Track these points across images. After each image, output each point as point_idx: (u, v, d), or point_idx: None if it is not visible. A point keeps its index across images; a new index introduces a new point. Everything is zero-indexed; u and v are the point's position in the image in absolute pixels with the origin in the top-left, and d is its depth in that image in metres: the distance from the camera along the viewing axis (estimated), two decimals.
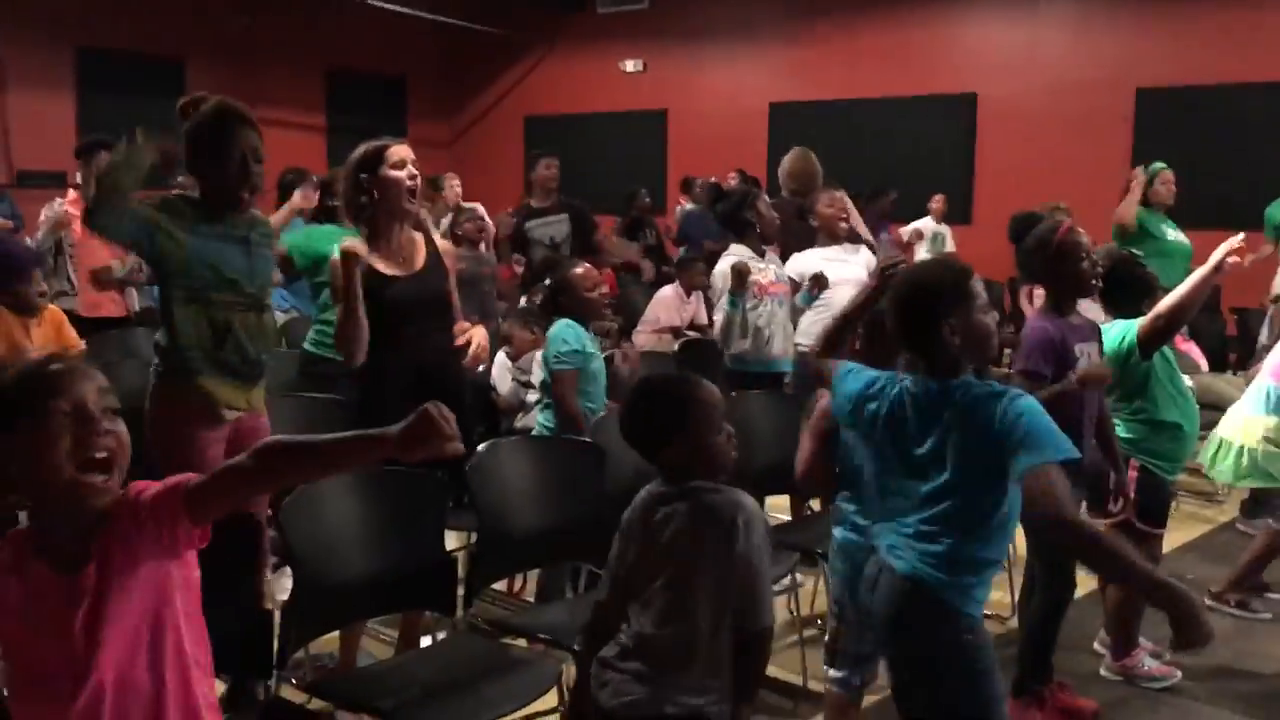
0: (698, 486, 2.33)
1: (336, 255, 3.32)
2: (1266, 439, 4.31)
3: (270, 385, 4.35)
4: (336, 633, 3.29)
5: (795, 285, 5.04)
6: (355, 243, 3.34)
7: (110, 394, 1.79)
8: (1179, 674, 3.85)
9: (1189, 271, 6.75)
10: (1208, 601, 4.60)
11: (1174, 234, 6.72)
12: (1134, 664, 3.85)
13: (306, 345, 4.80)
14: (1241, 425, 4.41)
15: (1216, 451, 4.48)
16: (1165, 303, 3.56)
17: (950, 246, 10.78)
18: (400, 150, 3.50)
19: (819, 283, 4.86)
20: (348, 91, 14.17)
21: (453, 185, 9.71)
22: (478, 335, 3.58)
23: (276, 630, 2.74)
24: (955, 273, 2.50)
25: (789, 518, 4.82)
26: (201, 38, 12.56)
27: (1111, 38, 10.99)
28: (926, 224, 10.97)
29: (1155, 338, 3.55)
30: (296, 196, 5.61)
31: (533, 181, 7.04)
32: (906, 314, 2.48)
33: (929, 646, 2.43)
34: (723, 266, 4.92)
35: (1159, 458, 3.69)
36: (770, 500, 4.85)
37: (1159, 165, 6.66)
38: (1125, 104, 10.85)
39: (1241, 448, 4.37)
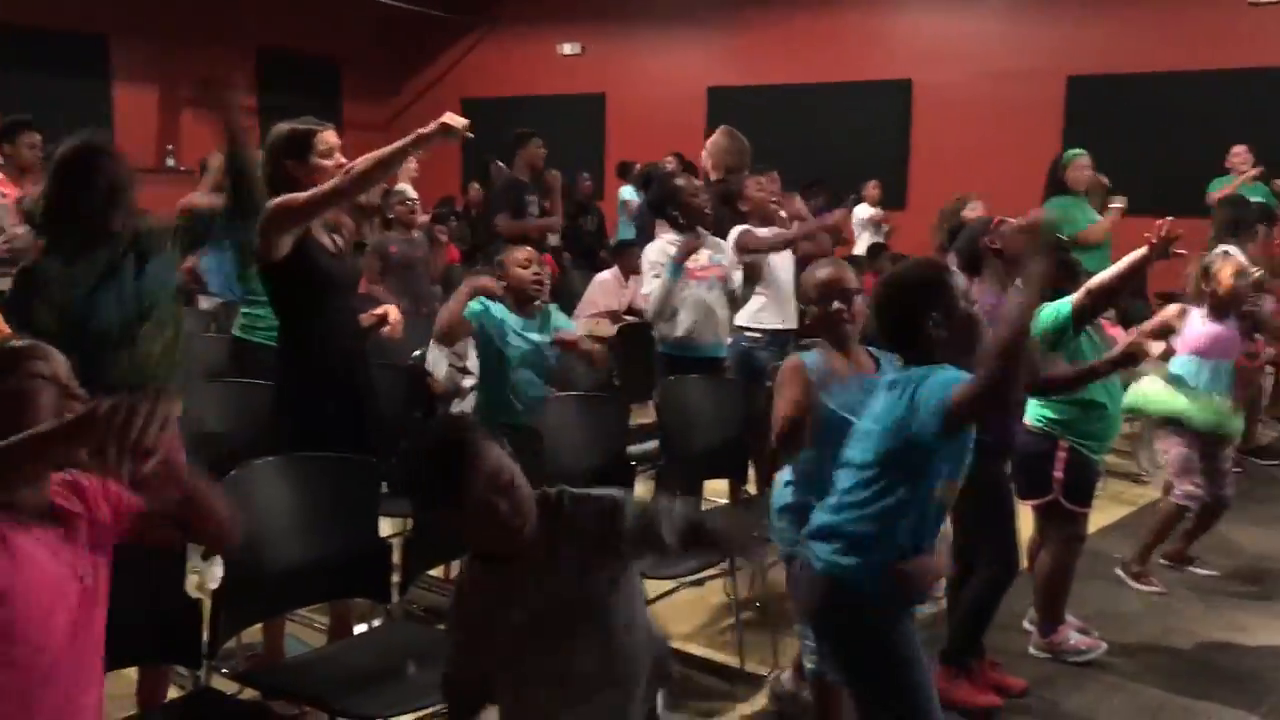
0: None
1: None
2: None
3: (199, 371, 4.27)
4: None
5: (750, 268, 4.96)
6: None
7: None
8: (1104, 645, 3.94)
9: (1108, 256, 6.93)
10: (1118, 572, 4.74)
11: (1092, 218, 6.88)
12: (1060, 640, 3.93)
13: (235, 331, 4.72)
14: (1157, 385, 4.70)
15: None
16: (1098, 278, 3.63)
17: (884, 233, 10.88)
18: (330, 137, 3.44)
19: (756, 271, 4.83)
20: (280, 72, 13.90)
21: (407, 163, 9.59)
22: (392, 311, 3.56)
23: (207, 619, 2.69)
24: (933, 268, 2.63)
25: (727, 501, 4.85)
26: (126, 13, 12.24)
27: (1043, 26, 11.15)
28: (862, 210, 11.05)
29: (1086, 312, 3.62)
30: (213, 163, 5.37)
31: (521, 159, 7.15)
32: (891, 313, 2.58)
33: (847, 635, 2.50)
34: (653, 247, 4.86)
35: (1086, 438, 3.76)
36: (709, 484, 4.88)
37: (1074, 151, 6.78)
38: (1056, 91, 11.02)
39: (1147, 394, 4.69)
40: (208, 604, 2.71)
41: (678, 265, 4.64)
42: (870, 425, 2.51)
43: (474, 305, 3.98)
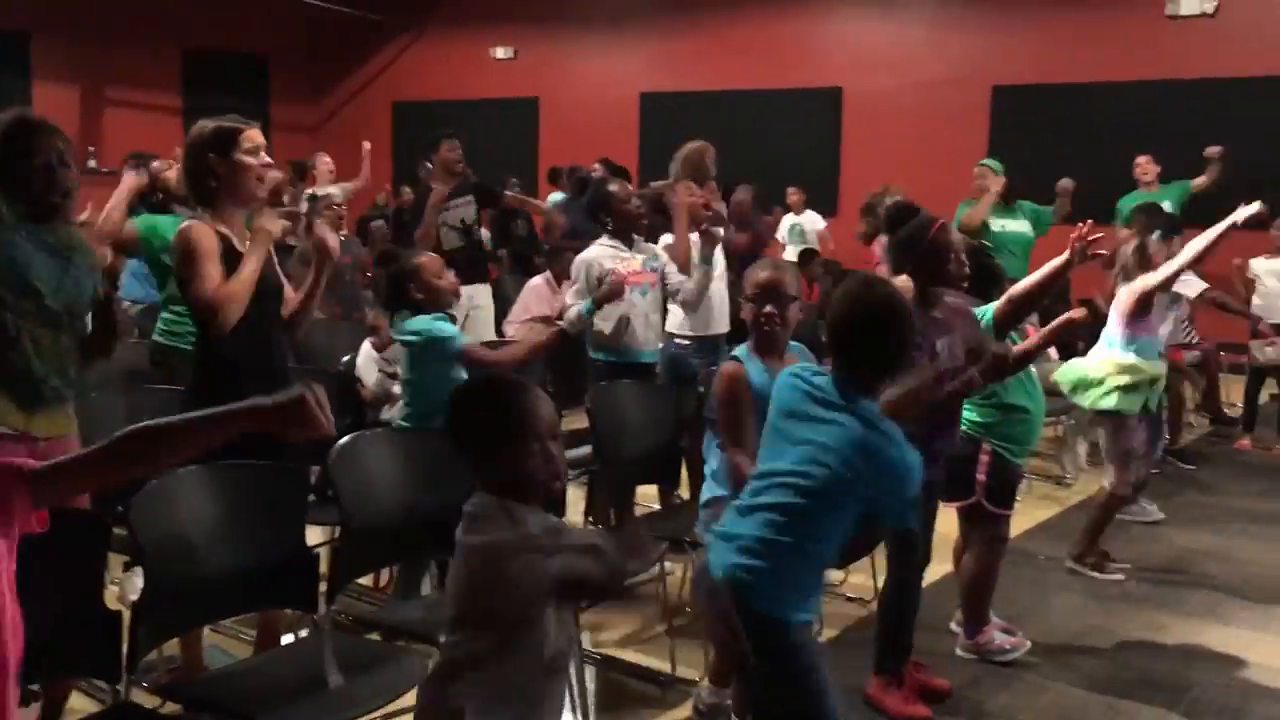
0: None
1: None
2: (1121, 372, 4.73)
3: (119, 375, 4.17)
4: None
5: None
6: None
7: None
8: (1028, 645, 4.01)
9: (1027, 260, 7.08)
10: (1069, 564, 4.86)
11: (1009, 224, 7.03)
12: (986, 641, 3.99)
13: (156, 336, 4.62)
14: (1098, 362, 4.83)
15: (1076, 386, 4.88)
16: (1020, 285, 3.69)
17: (812, 238, 10.96)
18: (255, 135, 3.37)
19: (711, 239, 4.81)
20: (206, 71, 13.69)
21: (325, 163, 9.45)
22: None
23: (127, 632, 2.63)
24: (904, 311, 2.59)
25: (658, 507, 4.86)
26: (48, 11, 11.97)
27: (968, 37, 11.35)
28: (787, 217, 11.14)
29: (1008, 319, 3.67)
30: (127, 178, 5.26)
31: (434, 163, 6.78)
32: (856, 329, 2.53)
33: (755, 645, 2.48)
34: (584, 256, 4.84)
35: (1008, 441, 3.82)
36: (640, 489, 4.89)
37: (985, 162, 6.96)
38: (982, 100, 11.22)
39: (1101, 379, 4.78)
40: (127, 615, 2.64)
41: (595, 306, 4.64)
42: (809, 451, 2.45)
43: (434, 329, 3.95)
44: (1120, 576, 4.82)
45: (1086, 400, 4.87)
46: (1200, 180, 8.30)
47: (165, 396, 3.95)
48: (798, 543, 2.44)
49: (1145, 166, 8.35)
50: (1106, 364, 4.81)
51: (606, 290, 4.60)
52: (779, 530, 2.44)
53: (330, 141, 14.91)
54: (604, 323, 4.73)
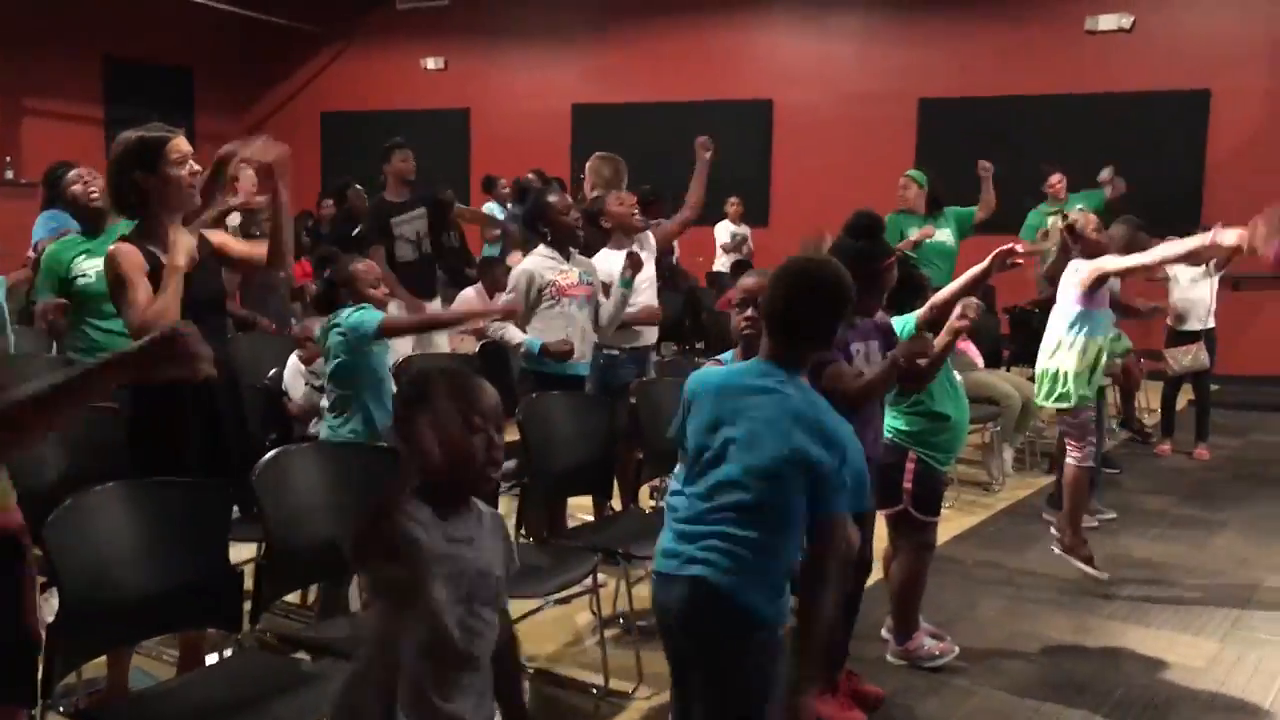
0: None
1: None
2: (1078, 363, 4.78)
3: None
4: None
5: (605, 287, 4.98)
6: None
7: None
8: (956, 650, 4.06)
9: (951, 270, 7.20)
10: (1055, 549, 4.97)
11: (935, 235, 7.14)
12: (915, 647, 4.04)
13: (69, 351, 4.52)
14: (1048, 351, 4.88)
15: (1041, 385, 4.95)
16: (939, 295, 3.74)
17: (749, 247, 11.06)
18: (182, 144, 3.29)
19: (634, 262, 4.82)
20: (129, 81, 13.41)
21: (247, 175, 9.27)
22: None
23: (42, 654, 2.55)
24: (847, 281, 2.59)
25: (591, 518, 4.84)
26: None
27: (896, 51, 11.53)
28: (724, 226, 11.21)
29: (931, 327, 3.72)
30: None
31: (387, 174, 6.68)
32: (804, 305, 2.53)
33: (720, 647, 2.47)
34: (522, 267, 4.83)
35: (933, 449, 3.87)
36: (573, 501, 4.87)
37: (910, 173, 7.05)
38: (909, 113, 11.40)
39: (1057, 372, 4.83)
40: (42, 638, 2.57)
41: (542, 355, 4.63)
42: (768, 450, 2.44)
43: (355, 317, 3.92)
44: (1105, 576, 4.88)
45: (1041, 396, 4.95)
46: (1108, 196, 8.51)
47: (89, 414, 3.86)
48: (761, 537, 2.43)
49: (1057, 187, 8.53)
50: (1065, 358, 4.82)
51: (559, 350, 4.61)
52: (742, 526, 2.43)
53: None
54: (548, 338, 4.69)
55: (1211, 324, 7.28)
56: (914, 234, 7.00)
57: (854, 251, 3.45)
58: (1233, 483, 6.79)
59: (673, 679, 2.67)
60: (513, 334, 4.67)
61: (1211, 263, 7.13)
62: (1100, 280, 4.80)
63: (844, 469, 2.42)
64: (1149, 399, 8.28)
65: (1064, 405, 4.86)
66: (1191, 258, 5.17)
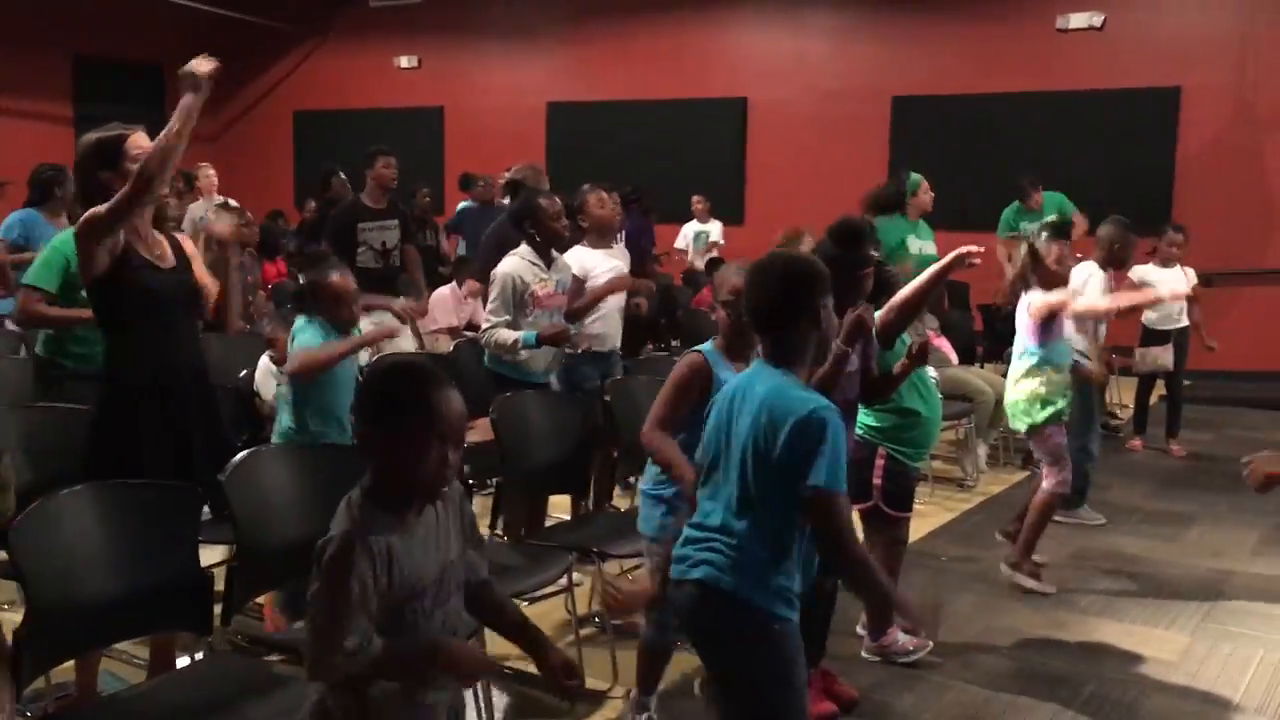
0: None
1: None
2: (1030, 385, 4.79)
3: (14, 394, 4.03)
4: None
5: (579, 282, 4.94)
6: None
7: None
8: (930, 644, 4.08)
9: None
10: (1004, 569, 4.92)
11: (925, 246, 7.09)
12: (889, 642, 4.05)
13: (38, 350, 4.47)
14: (1012, 379, 4.91)
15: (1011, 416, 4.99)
16: (898, 295, 3.75)
17: (719, 244, 11.05)
18: (140, 139, 3.29)
19: (560, 338, 4.71)
20: (98, 79, 13.29)
21: (207, 175, 9.21)
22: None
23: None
24: (821, 266, 2.61)
25: (568, 516, 4.83)
26: None
27: (870, 49, 11.56)
28: (691, 225, 11.21)
29: (890, 327, 3.74)
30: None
31: (368, 179, 6.45)
32: (782, 295, 2.53)
33: (733, 643, 2.48)
34: (505, 269, 4.73)
35: (904, 445, 3.89)
36: (552, 500, 4.86)
37: (918, 176, 6.93)
38: (882, 110, 11.43)
39: (1016, 402, 4.86)
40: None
41: (537, 344, 4.57)
42: (764, 456, 2.42)
43: (299, 338, 3.89)
44: (1052, 590, 4.83)
45: (1014, 422, 4.96)
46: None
47: (54, 415, 3.82)
48: (758, 530, 2.43)
49: (1037, 200, 8.49)
50: (1026, 385, 4.84)
51: (555, 334, 4.57)
52: (738, 522, 2.44)
53: (231, 151, 14.63)
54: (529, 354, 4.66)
55: (1185, 322, 7.32)
56: (913, 247, 6.86)
57: (835, 257, 3.45)
58: (1204, 477, 6.85)
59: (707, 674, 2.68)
60: (504, 335, 4.60)
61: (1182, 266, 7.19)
62: (1055, 314, 4.82)
63: (814, 445, 2.37)
64: (1121, 394, 8.34)
65: (1025, 426, 4.87)
66: (1143, 309, 5.17)
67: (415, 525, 2.07)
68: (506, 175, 9.94)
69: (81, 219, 3.20)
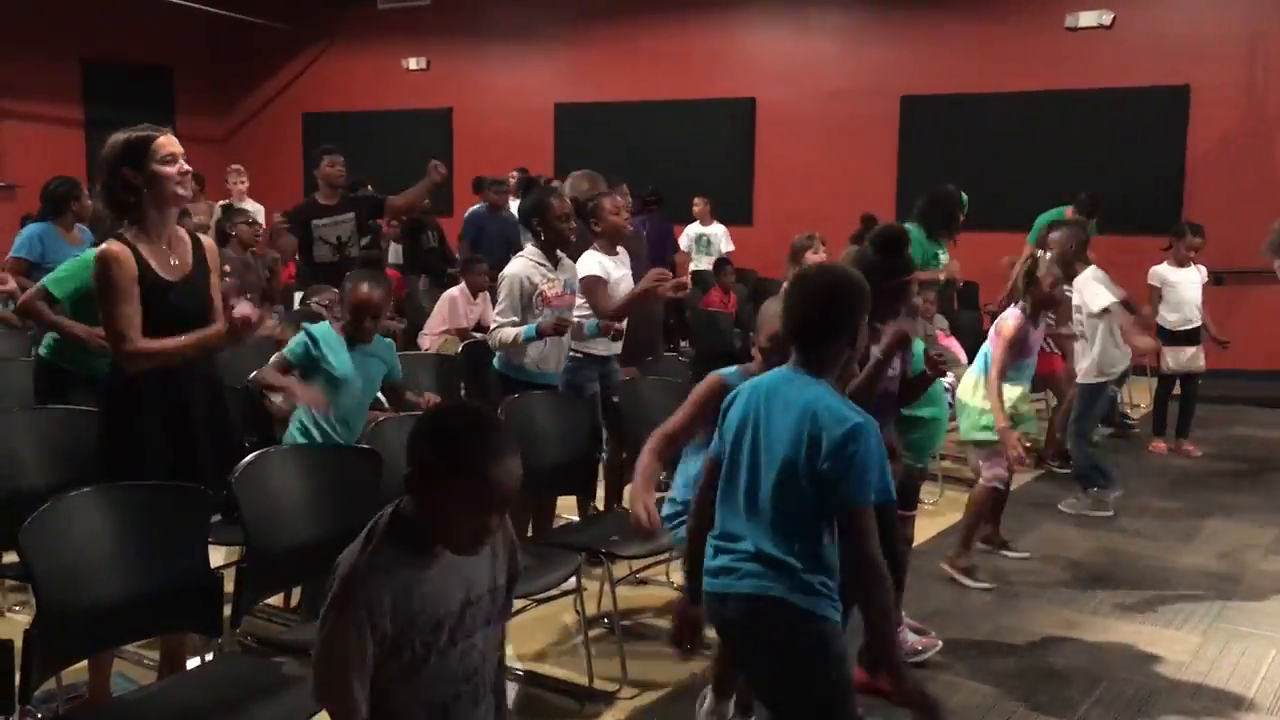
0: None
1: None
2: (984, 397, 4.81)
3: (8, 396, 4.04)
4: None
5: (600, 282, 4.90)
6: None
7: None
8: (940, 643, 4.07)
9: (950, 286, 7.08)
10: (944, 567, 4.95)
11: (944, 256, 7.08)
12: (898, 641, 4.03)
13: (41, 352, 4.50)
14: (970, 384, 4.94)
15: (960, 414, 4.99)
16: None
17: (725, 247, 11.03)
18: (169, 143, 3.28)
19: (559, 327, 4.65)
20: (108, 82, 13.33)
21: (239, 183, 9.32)
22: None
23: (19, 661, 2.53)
24: (863, 283, 2.58)
25: (576, 518, 4.83)
26: None
27: (878, 49, 11.54)
28: (693, 227, 11.19)
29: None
30: None
31: (317, 178, 6.78)
32: (824, 312, 2.51)
33: (791, 651, 2.48)
34: (512, 271, 4.73)
35: (909, 448, 3.88)
36: (560, 501, 4.85)
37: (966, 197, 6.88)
38: (891, 110, 11.41)
39: (972, 407, 4.89)
40: (18, 645, 2.54)
41: (538, 335, 4.57)
42: (806, 465, 2.41)
43: (298, 338, 3.92)
44: (986, 585, 4.84)
45: (964, 427, 4.93)
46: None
47: (64, 416, 3.83)
48: (792, 530, 2.43)
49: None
50: (979, 393, 4.86)
51: (554, 325, 4.56)
52: (772, 522, 2.44)
53: (240, 153, 14.65)
54: (534, 354, 4.65)
55: (1198, 323, 7.28)
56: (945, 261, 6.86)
57: (878, 264, 3.45)
58: (1215, 477, 6.82)
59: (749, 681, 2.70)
60: (507, 333, 4.61)
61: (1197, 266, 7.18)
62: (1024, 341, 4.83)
63: (857, 460, 2.36)
64: (1133, 394, 8.31)
65: (980, 438, 4.88)
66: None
67: (441, 555, 1.96)
68: (514, 176, 10.00)
69: (97, 284, 3.25)
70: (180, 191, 3.29)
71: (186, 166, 3.31)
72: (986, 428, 4.79)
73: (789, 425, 2.44)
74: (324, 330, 3.94)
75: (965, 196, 6.71)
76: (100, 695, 3.23)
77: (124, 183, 3.24)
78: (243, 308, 3.27)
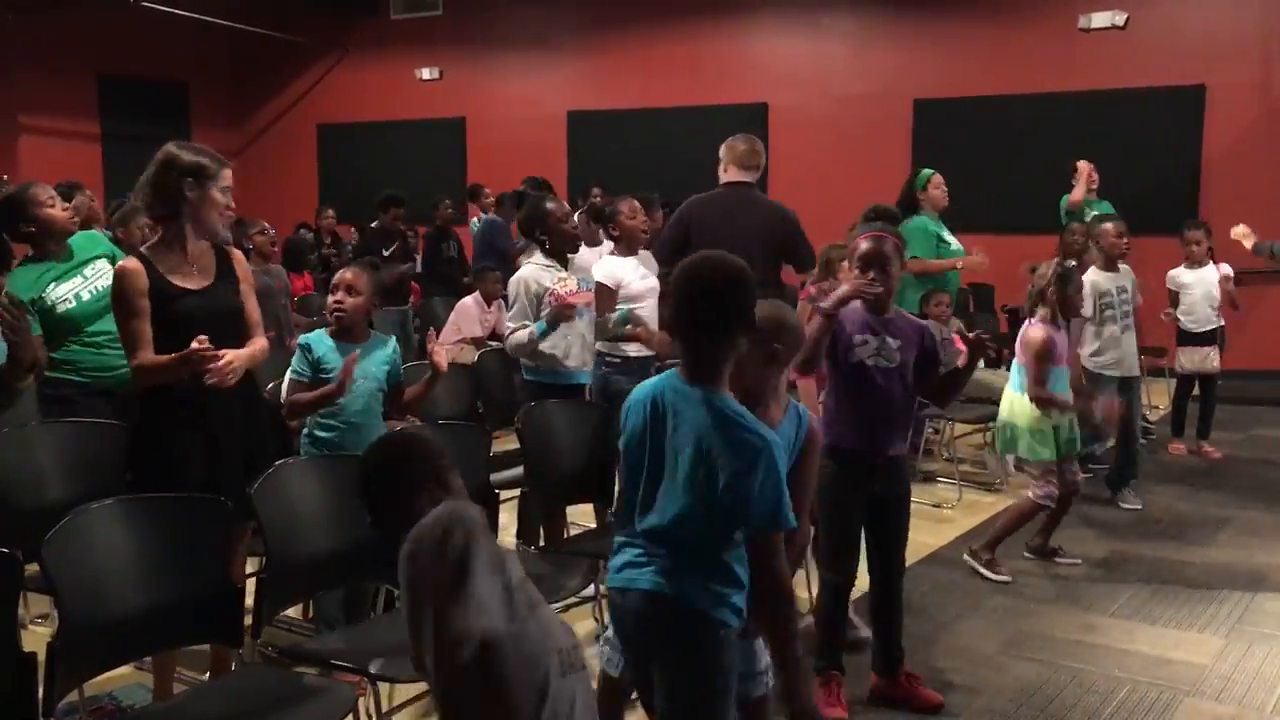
0: None
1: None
2: (1037, 421, 4.88)
3: (25, 410, 4.05)
4: (113, 671, 3.09)
5: (606, 290, 4.93)
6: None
7: None
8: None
9: (958, 275, 7.10)
10: (966, 559, 5.01)
11: (949, 238, 7.05)
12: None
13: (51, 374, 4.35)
14: (1008, 403, 5.01)
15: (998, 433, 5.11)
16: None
17: None
18: (230, 177, 3.38)
19: (563, 313, 4.63)
20: (124, 97, 13.43)
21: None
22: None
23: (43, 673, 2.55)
24: (748, 273, 2.44)
25: (594, 525, 4.83)
26: None
27: (890, 52, 11.52)
28: None
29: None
30: None
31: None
32: (712, 300, 2.36)
33: (676, 647, 2.43)
34: (521, 275, 4.78)
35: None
36: (574, 508, 4.85)
37: (929, 171, 6.93)
38: (904, 113, 11.39)
39: (1005, 423, 5.00)
40: (42, 657, 2.56)
41: (548, 327, 4.59)
42: (707, 483, 2.34)
43: (296, 355, 3.92)
44: (1007, 579, 4.88)
45: (1021, 449, 4.97)
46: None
47: (93, 430, 3.85)
48: (695, 539, 2.38)
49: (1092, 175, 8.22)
50: (1025, 411, 4.90)
51: (555, 312, 4.57)
52: (677, 527, 2.37)
53: (255, 165, 14.74)
54: (551, 346, 4.67)
55: (1221, 321, 7.25)
56: (949, 238, 6.86)
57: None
58: (1236, 478, 6.78)
59: (635, 679, 2.64)
60: (520, 335, 4.64)
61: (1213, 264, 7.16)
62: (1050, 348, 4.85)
63: (755, 488, 2.30)
64: (1150, 396, 8.26)
65: (1018, 455, 4.99)
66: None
67: None
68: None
69: (115, 290, 3.28)
70: (221, 227, 3.38)
71: (232, 204, 3.39)
72: (1041, 445, 4.85)
73: (690, 439, 2.34)
74: (314, 335, 3.94)
75: (928, 171, 6.87)
76: (165, 695, 3.25)
77: (176, 193, 3.28)
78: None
